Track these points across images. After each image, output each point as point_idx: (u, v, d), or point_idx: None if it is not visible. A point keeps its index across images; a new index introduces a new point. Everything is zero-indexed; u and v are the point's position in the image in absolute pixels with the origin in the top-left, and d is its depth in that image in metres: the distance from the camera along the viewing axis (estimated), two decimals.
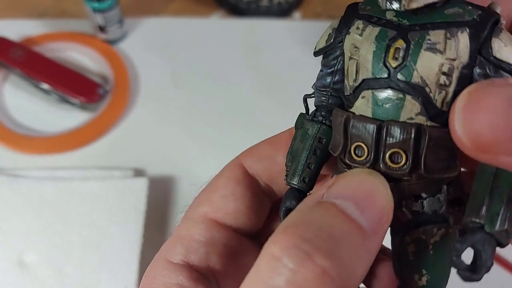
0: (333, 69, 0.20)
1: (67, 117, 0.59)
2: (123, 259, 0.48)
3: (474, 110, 0.15)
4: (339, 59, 0.20)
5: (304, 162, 0.20)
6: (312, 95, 0.21)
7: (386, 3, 0.17)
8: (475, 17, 0.17)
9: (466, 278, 0.16)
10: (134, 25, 0.68)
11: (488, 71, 0.17)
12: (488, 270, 0.16)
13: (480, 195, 0.17)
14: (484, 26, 0.17)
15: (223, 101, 0.63)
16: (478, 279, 0.16)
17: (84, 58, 0.65)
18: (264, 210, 0.24)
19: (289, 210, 0.20)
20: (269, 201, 0.24)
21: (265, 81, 0.64)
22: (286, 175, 0.21)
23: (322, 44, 0.20)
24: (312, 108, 0.22)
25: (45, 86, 0.60)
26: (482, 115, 0.15)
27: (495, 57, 0.17)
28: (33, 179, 0.53)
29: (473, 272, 0.16)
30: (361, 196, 0.17)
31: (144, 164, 0.56)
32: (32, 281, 0.47)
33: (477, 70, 0.17)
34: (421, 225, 0.18)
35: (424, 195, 0.18)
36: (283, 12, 0.73)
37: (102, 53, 0.64)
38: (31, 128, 0.59)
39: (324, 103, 0.21)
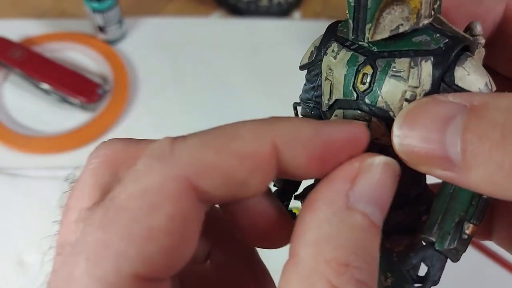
0: (314, 84, 0.21)
1: (67, 117, 0.60)
2: None
3: (410, 126, 0.16)
4: (319, 76, 0.21)
5: None
6: (300, 104, 0.23)
7: (352, 36, 0.18)
8: (441, 45, 0.18)
9: None
10: (133, 25, 0.68)
11: None
12: (434, 283, 0.18)
13: (436, 214, 0.18)
14: (449, 55, 0.17)
15: (222, 100, 0.63)
16: None
17: (84, 58, 0.65)
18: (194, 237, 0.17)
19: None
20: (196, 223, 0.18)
21: (265, 81, 0.64)
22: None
23: (305, 60, 0.22)
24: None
25: (45, 86, 0.60)
26: (416, 133, 0.16)
27: (457, 85, 0.17)
28: (33, 179, 0.53)
29: (421, 284, 0.18)
30: (386, 202, 0.17)
31: None
32: (32, 281, 0.47)
33: None
34: (389, 234, 0.19)
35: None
36: (283, 12, 0.73)
37: (101, 53, 0.64)
38: (31, 128, 0.59)
39: (308, 114, 0.22)
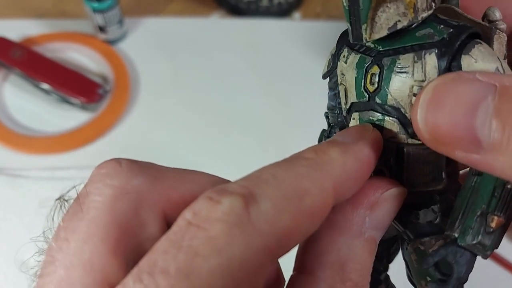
0: (335, 91, 0.21)
1: (67, 117, 0.60)
2: None
3: (437, 105, 0.16)
4: (338, 83, 0.21)
5: None
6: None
7: (352, 39, 0.18)
8: (445, 36, 0.17)
9: None
10: (134, 25, 0.68)
11: None
12: (460, 281, 0.17)
13: (458, 209, 0.18)
14: (454, 44, 0.17)
15: (222, 100, 0.63)
16: None
17: (84, 58, 0.65)
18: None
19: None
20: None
21: (265, 81, 0.64)
22: None
23: (325, 69, 0.22)
24: None
25: (45, 86, 0.60)
26: (444, 113, 0.15)
27: None
28: (33, 179, 0.53)
29: (443, 283, 0.17)
30: (388, 225, 0.18)
31: None
32: (32, 280, 0.47)
33: None
34: (420, 235, 0.19)
35: (419, 206, 0.19)
36: (283, 12, 0.73)
37: (102, 53, 0.64)
38: (31, 128, 0.59)
39: (336, 120, 0.22)
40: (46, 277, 0.16)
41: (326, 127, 0.23)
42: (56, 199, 0.17)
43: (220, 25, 0.71)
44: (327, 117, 0.23)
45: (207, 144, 0.58)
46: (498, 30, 0.18)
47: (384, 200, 0.18)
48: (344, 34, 0.20)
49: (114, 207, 0.16)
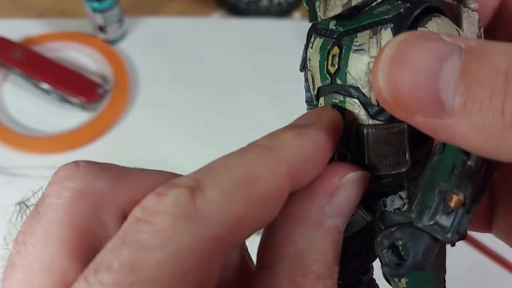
0: (308, 82, 0.21)
1: (67, 116, 0.60)
2: None
3: (400, 62, 0.14)
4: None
5: None
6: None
7: (309, 19, 0.18)
8: (401, 11, 0.17)
9: (387, 273, 0.16)
10: (133, 25, 0.68)
11: None
12: (417, 265, 0.16)
13: (418, 189, 0.16)
14: (408, 18, 0.17)
15: (222, 100, 0.63)
16: (400, 275, 0.16)
17: (84, 57, 0.65)
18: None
19: None
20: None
21: (265, 81, 0.64)
22: None
23: (300, 60, 0.22)
24: None
25: (45, 85, 0.60)
26: (407, 70, 0.14)
27: None
28: (32, 179, 0.53)
29: (398, 266, 0.16)
30: (351, 211, 0.17)
31: (143, 164, 0.56)
32: None
33: None
34: (389, 226, 0.18)
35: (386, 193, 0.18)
36: (283, 12, 0.73)
37: (102, 53, 0.64)
38: (31, 127, 0.59)
39: None
40: (6, 281, 0.16)
41: None
42: (17, 204, 0.17)
43: (220, 25, 0.71)
44: None
45: (207, 144, 0.58)
46: (467, 9, 0.18)
47: (343, 186, 0.17)
48: (313, 25, 0.20)
49: (72, 209, 0.16)
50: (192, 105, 0.62)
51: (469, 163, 0.16)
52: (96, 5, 0.61)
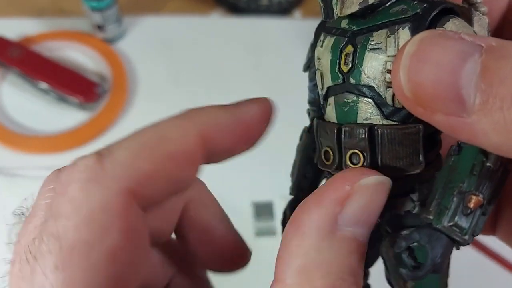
0: (314, 81, 0.21)
1: (65, 116, 0.59)
2: None
3: (421, 60, 0.15)
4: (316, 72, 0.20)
5: (301, 173, 0.22)
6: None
7: (324, 17, 0.18)
8: (418, 11, 0.17)
9: (405, 275, 0.16)
10: (132, 24, 0.68)
11: None
12: (436, 267, 0.15)
13: (435, 190, 0.16)
14: (427, 18, 0.17)
15: (222, 99, 0.62)
16: (419, 277, 0.16)
17: (82, 57, 0.64)
18: (174, 215, 0.21)
19: (285, 215, 0.21)
20: (181, 201, 0.21)
21: (265, 80, 0.64)
22: (290, 187, 0.22)
23: (305, 60, 0.21)
24: None
25: (43, 85, 0.59)
26: (429, 68, 0.14)
27: None
28: (31, 179, 0.53)
29: (416, 269, 0.16)
30: (374, 218, 0.16)
31: None
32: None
33: None
34: (398, 228, 0.17)
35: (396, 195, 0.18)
36: (283, 10, 0.73)
37: (100, 52, 0.64)
38: (29, 127, 0.58)
39: (317, 115, 0.21)
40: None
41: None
42: (15, 213, 0.19)
43: (220, 23, 0.71)
44: (309, 114, 0.22)
45: None
46: (478, 13, 0.18)
47: (355, 193, 0.16)
48: (322, 22, 0.20)
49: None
50: (191, 104, 0.61)
51: (488, 163, 0.15)
52: (94, 4, 0.61)
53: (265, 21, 0.70)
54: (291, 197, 0.22)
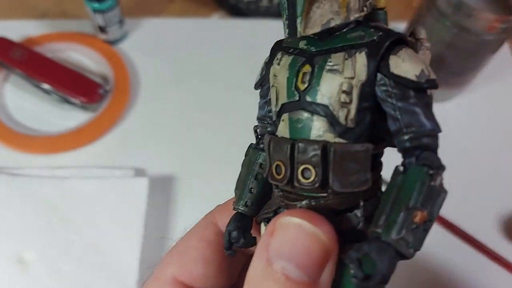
0: (266, 99, 0.22)
1: (67, 117, 0.60)
2: (123, 259, 0.49)
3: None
4: (270, 89, 0.21)
5: (247, 188, 0.22)
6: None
7: (286, 34, 0.19)
8: (375, 38, 0.18)
9: (356, 285, 0.17)
10: (134, 26, 0.69)
11: (389, 87, 0.18)
12: (382, 279, 0.16)
13: (383, 206, 0.17)
14: (382, 45, 0.18)
15: (223, 101, 0.63)
16: None
17: (85, 58, 0.65)
18: (236, 269, 0.24)
19: (229, 233, 0.22)
20: (243, 257, 0.24)
21: None
22: (233, 202, 0.23)
23: (258, 77, 0.22)
24: None
25: (45, 86, 0.60)
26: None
27: (392, 74, 0.18)
28: (33, 178, 0.53)
29: (365, 280, 0.17)
30: (300, 256, 0.17)
31: (144, 164, 0.56)
32: (32, 279, 0.47)
33: (379, 87, 0.18)
34: (342, 243, 0.18)
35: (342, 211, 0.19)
36: None
37: (102, 54, 0.64)
38: (31, 128, 0.59)
39: (265, 132, 0.22)
40: None
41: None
42: None
43: (220, 25, 0.71)
44: (255, 131, 0.23)
45: (207, 144, 0.58)
46: (423, 47, 0.19)
47: (279, 228, 0.17)
48: (278, 42, 0.21)
49: None
50: (192, 105, 0.62)
51: (432, 183, 0.17)
52: (96, 5, 0.61)
53: (265, 22, 0.71)
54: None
